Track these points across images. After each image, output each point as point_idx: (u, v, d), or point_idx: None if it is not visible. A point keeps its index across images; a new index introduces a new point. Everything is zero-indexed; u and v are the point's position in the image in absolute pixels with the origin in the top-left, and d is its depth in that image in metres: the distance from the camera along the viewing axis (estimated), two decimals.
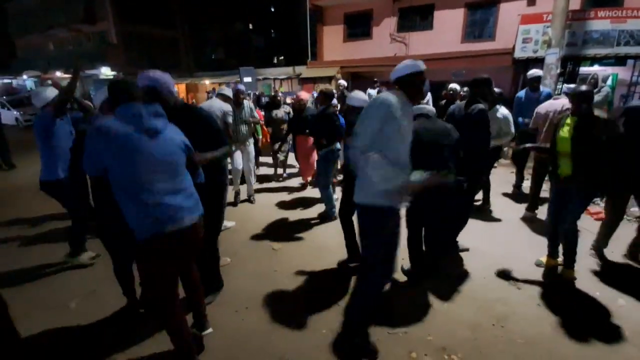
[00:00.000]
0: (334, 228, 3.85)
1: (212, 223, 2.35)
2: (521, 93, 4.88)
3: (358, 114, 2.84)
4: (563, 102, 3.66)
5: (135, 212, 1.57)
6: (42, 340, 2.22)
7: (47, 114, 2.80)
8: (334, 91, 4.74)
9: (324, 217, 4.16)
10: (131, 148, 1.51)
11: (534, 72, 4.73)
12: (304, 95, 5.01)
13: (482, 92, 2.85)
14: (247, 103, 4.60)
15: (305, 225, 4.02)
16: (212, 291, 2.57)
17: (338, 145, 3.97)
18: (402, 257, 2.89)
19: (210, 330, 2.20)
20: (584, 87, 2.59)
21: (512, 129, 3.80)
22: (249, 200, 4.76)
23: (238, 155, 4.52)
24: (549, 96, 4.46)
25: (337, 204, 4.03)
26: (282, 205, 4.66)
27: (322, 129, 3.89)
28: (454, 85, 5.49)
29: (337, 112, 4.88)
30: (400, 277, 2.86)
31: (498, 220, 4.06)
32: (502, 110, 3.74)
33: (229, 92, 4.26)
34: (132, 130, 1.53)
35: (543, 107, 3.85)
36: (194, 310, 2.16)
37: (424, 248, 2.84)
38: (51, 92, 2.91)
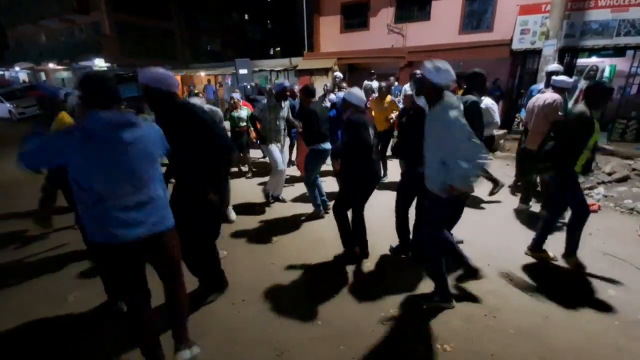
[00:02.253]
0: (330, 221, 3.85)
1: (211, 228, 2.35)
2: (534, 87, 4.77)
3: (354, 111, 2.83)
4: (546, 96, 3.65)
5: (88, 217, 1.54)
6: (39, 333, 2.24)
7: None
8: (322, 86, 4.64)
9: (313, 217, 4.00)
10: (96, 158, 1.47)
11: (553, 67, 4.59)
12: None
13: (476, 85, 2.92)
14: (288, 102, 4.38)
15: (302, 217, 4.03)
16: (215, 291, 2.55)
17: (326, 145, 3.80)
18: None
19: (189, 355, 1.92)
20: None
21: (497, 118, 3.80)
22: (280, 199, 4.58)
23: (279, 155, 4.27)
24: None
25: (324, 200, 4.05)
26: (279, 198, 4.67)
27: (306, 125, 3.82)
28: None
29: (329, 107, 4.83)
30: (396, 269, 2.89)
31: (492, 212, 4.09)
32: (486, 101, 3.74)
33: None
34: (100, 141, 1.47)
35: (530, 102, 3.86)
36: (173, 330, 1.96)
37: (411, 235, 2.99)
38: None
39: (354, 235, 3.06)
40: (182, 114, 2.05)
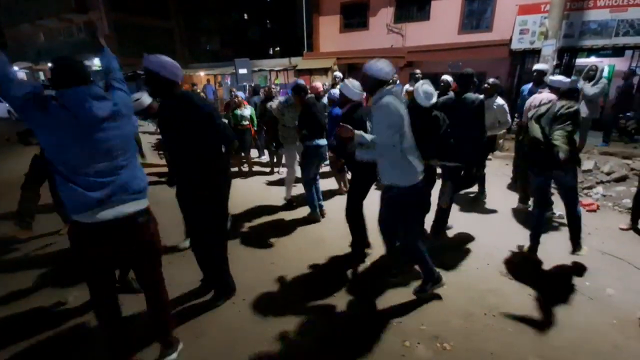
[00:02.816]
0: (330, 221, 3.87)
1: (216, 225, 2.31)
2: (525, 87, 4.79)
3: (353, 107, 2.82)
4: (542, 97, 3.67)
5: (65, 197, 1.52)
6: (40, 333, 2.23)
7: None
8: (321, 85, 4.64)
9: (310, 221, 3.88)
10: (68, 135, 1.44)
11: (538, 66, 4.65)
12: (319, 85, 4.69)
13: (468, 84, 3.09)
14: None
15: (302, 218, 4.03)
16: (222, 295, 2.52)
17: (320, 142, 3.73)
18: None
19: (175, 356, 1.95)
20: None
21: (509, 118, 3.83)
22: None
23: (297, 156, 4.19)
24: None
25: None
26: (279, 198, 4.67)
27: (300, 122, 3.78)
28: (446, 77, 5.48)
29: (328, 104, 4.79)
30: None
31: (492, 211, 4.10)
32: (499, 101, 3.77)
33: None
34: (73, 117, 1.44)
35: (528, 102, 3.91)
36: (157, 332, 1.94)
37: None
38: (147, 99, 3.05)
39: (359, 235, 3.05)
40: (183, 103, 2.04)
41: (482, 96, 3.01)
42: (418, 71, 6.14)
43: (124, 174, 1.60)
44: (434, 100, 2.70)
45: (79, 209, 1.52)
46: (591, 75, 5.37)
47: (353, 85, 2.83)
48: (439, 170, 3.20)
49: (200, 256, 2.40)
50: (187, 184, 2.20)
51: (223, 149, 2.24)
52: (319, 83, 4.85)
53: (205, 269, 2.47)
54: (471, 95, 3.03)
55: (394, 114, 2.12)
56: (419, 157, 2.31)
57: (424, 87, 2.65)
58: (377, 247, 3.25)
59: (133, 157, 1.68)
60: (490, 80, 5.50)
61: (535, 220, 2.97)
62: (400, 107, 2.18)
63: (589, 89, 5.30)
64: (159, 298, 1.90)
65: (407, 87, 4.94)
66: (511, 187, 4.86)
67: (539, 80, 4.53)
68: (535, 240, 2.99)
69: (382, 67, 2.19)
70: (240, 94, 5.68)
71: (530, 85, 4.67)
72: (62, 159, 1.48)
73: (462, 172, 3.10)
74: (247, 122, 5.59)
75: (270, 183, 5.43)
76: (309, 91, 4.23)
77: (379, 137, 2.16)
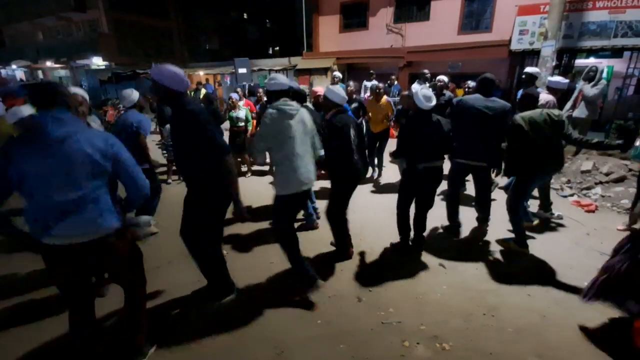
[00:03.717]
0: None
1: (210, 229, 2.32)
2: (520, 92, 4.78)
3: (336, 111, 2.81)
4: (540, 98, 3.65)
5: (27, 218, 1.54)
6: (41, 332, 2.23)
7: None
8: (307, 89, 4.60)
9: (305, 228, 3.74)
10: (26, 157, 1.47)
11: (529, 69, 4.63)
12: (319, 89, 4.54)
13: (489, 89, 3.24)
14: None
15: (300, 219, 4.03)
16: (222, 294, 2.52)
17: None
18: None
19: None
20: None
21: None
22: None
23: None
24: None
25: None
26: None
27: None
28: (442, 77, 5.48)
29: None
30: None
31: (490, 212, 4.10)
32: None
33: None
34: (31, 140, 1.49)
35: None
36: (128, 334, 1.95)
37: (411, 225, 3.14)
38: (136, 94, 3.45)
39: (339, 235, 3.08)
40: (182, 114, 2.07)
41: (509, 105, 3.15)
42: (426, 71, 6.13)
43: (83, 193, 1.55)
44: (434, 103, 2.76)
45: (43, 232, 1.53)
46: (591, 76, 5.37)
47: (337, 90, 2.82)
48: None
49: (196, 256, 2.40)
50: (189, 186, 2.27)
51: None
52: (319, 87, 4.85)
53: (203, 269, 2.46)
54: (499, 101, 3.14)
55: (267, 125, 2.30)
56: (304, 170, 2.41)
57: (423, 91, 2.74)
58: (376, 247, 3.26)
59: (97, 179, 1.60)
60: (438, 77, 5.49)
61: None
62: (281, 120, 2.31)
63: (589, 90, 5.30)
64: (133, 297, 1.92)
65: (414, 86, 4.92)
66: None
67: (528, 83, 4.50)
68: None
69: (281, 81, 2.41)
70: (234, 96, 5.66)
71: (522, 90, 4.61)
72: (22, 182, 1.50)
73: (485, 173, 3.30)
74: (242, 124, 5.59)
75: (270, 183, 5.43)
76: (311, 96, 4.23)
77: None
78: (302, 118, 2.43)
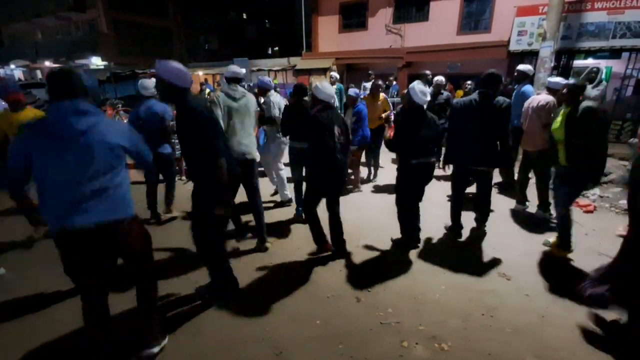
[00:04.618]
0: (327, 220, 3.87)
1: (210, 227, 2.32)
2: (525, 89, 4.73)
3: (323, 107, 2.82)
4: (540, 98, 3.67)
5: (45, 208, 1.57)
6: (43, 333, 2.22)
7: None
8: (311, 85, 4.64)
9: (296, 220, 3.86)
10: (47, 148, 1.50)
11: (521, 66, 4.60)
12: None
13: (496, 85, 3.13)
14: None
15: (299, 217, 4.03)
16: (223, 293, 2.53)
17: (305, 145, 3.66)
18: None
19: (157, 349, 1.99)
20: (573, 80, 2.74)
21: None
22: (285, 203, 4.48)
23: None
24: (523, 94, 4.29)
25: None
26: (277, 197, 4.67)
27: (283, 122, 3.75)
28: (440, 77, 5.49)
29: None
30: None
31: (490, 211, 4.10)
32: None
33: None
34: (51, 131, 1.52)
35: (526, 103, 3.88)
36: (140, 324, 1.99)
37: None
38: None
39: (331, 234, 3.09)
40: (186, 113, 2.08)
41: (509, 100, 3.08)
42: (428, 72, 6.14)
43: (103, 183, 1.61)
44: (428, 98, 2.90)
45: (61, 220, 1.57)
46: (592, 77, 5.38)
47: (324, 87, 2.85)
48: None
49: (201, 251, 2.42)
50: (195, 182, 2.30)
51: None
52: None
53: (209, 266, 2.47)
54: (499, 98, 3.04)
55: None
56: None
57: (419, 86, 2.87)
58: (374, 246, 3.26)
59: (117, 168, 1.67)
60: (436, 78, 5.49)
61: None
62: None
63: (590, 90, 5.31)
64: (145, 292, 1.95)
65: (415, 84, 4.95)
66: (508, 187, 4.87)
67: (520, 80, 4.53)
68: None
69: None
70: None
71: (530, 87, 4.55)
72: (43, 173, 1.53)
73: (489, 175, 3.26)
74: None
75: (269, 183, 5.41)
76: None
77: None
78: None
